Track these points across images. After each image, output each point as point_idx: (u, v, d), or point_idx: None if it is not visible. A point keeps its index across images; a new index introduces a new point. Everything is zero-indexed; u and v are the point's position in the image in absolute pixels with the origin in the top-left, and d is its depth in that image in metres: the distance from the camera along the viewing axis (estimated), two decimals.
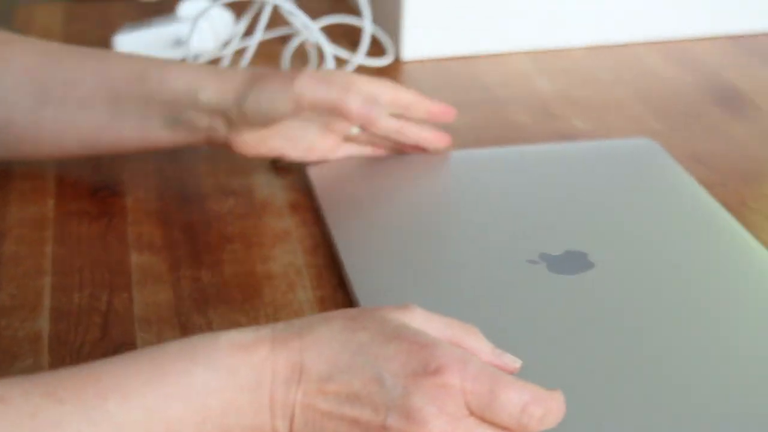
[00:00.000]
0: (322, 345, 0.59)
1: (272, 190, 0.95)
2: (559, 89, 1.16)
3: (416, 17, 1.20)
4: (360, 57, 1.12)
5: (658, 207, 0.91)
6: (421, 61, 1.22)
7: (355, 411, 0.58)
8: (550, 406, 0.59)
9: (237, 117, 0.87)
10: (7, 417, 0.54)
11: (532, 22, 1.24)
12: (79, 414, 0.55)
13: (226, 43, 1.18)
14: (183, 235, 0.88)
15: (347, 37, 1.20)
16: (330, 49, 1.10)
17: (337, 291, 0.82)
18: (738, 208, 0.92)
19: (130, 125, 0.89)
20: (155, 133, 0.89)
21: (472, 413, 0.59)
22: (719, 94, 1.17)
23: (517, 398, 0.58)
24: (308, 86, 0.87)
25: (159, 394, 0.57)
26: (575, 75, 1.21)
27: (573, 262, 0.81)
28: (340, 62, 1.16)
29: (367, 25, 1.11)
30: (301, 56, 1.16)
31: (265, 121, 0.87)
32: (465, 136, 1.05)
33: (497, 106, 1.12)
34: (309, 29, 1.10)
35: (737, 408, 0.67)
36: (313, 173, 0.93)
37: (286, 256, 0.86)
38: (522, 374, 0.64)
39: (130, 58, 0.91)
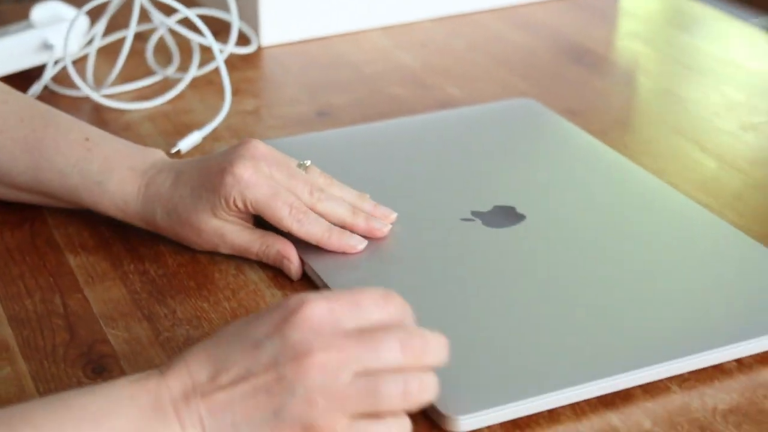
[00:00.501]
0: (200, 352, 0.62)
1: None
2: (422, 61, 1.21)
3: (272, 3, 1.21)
4: (230, 46, 1.12)
5: (560, 155, 0.97)
6: (281, 46, 1.24)
7: (251, 382, 0.59)
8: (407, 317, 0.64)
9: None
10: None
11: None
12: None
13: (89, 42, 1.16)
14: (112, 233, 0.87)
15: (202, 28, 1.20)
16: (198, 40, 1.11)
17: (283, 272, 0.83)
18: (624, 153, 0.98)
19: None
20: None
21: (346, 331, 0.61)
22: (572, 53, 1.24)
23: (375, 294, 0.63)
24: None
25: (70, 419, 0.58)
26: (432, 46, 1.25)
27: (504, 216, 0.86)
28: (208, 52, 1.16)
29: (234, 15, 1.12)
30: (163, 51, 1.16)
31: None
32: (351, 113, 1.08)
33: (370, 83, 1.16)
34: (166, 24, 1.11)
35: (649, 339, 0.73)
36: None
37: None
38: (466, 317, 0.72)
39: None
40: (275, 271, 0.83)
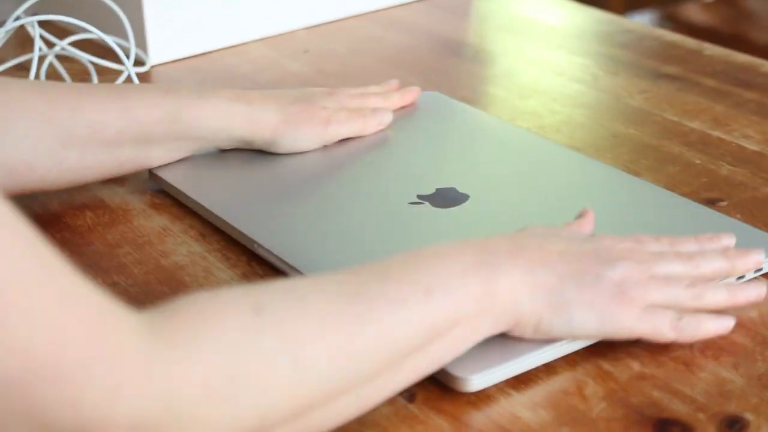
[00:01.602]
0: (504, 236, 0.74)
1: (122, 197, 0.96)
2: (311, 67, 1.24)
3: (157, 23, 1.23)
4: (131, 66, 1.14)
5: (479, 138, 1.03)
6: (171, 63, 1.26)
7: (577, 253, 0.72)
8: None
9: (268, 148, 0.96)
10: (327, 286, 0.65)
11: (259, 10, 1.31)
12: (375, 278, 0.66)
13: None
14: (66, 249, 0.87)
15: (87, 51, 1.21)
16: (99, 63, 1.13)
17: (253, 265, 0.86)
18: (532, 130, 1.05)
19: (157, 155, 0.93)
20: (179, 156, 0.95)
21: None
22: (449, 48, 1.30)
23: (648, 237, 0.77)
24: (339, 129, 0.98)
25: (423, 258, 0.68)
26: (315, 53, 1.29)
27: (449, 197, 0.90)
28: (102, 74, 1.17)
29: (131, 37, 1.14)
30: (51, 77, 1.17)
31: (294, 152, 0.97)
32: None
33: (268, 89, 1.18)
34: (60, 47, 1.12)
35: None
36: (164, 175, 0.95)
37: (182, 247, 0.88)
38: None
39: (157, 97, 0.91)
40: (244, 270, 0.85)
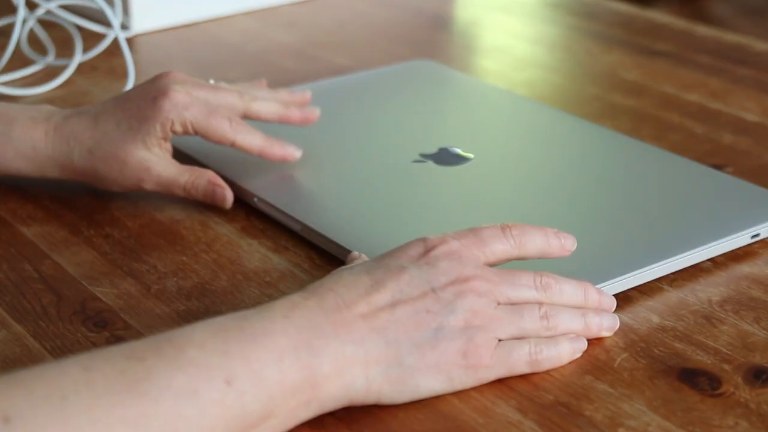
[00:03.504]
0: (339, 280, 0.62)
1: None
2: (299, 38, 1.22)
3: None
4: (118, 30, 1.10)
5: (481, 102, 1.02)
6: (154, 33, 1.23)
7: (411, 303, 0.61)
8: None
9: None
10: (98, 380, 0.53)
11: None
12: (164, 364, 0.54)
13: None
14: (58, 204, 0.85)
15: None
16: (80, 24, 1.09)
17: (252, 220, 0.83)
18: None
19: None
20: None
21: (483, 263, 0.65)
22: (438, 22, 1.28)
23: (494, 229, 0.67)
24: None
25: (231, 338, 0.57)
26: (302, 26, 1.27)
27: (452, 156, 0.88)
28: (94, 37, 1.14)
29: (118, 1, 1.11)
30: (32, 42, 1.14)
31: None
32: None
33: (256, 59, 1.16)
34: (44, 10, 1.09)
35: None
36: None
37: (177, 204, 0.85)
38: None
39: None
40: (242, 223, 0.82)
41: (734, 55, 1.17)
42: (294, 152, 0.84)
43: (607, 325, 0.68)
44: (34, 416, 0.50)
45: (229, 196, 0.82)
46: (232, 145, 0.82)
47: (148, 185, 0.82)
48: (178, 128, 0.80)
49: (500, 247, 0.66)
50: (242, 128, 0.82)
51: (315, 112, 0.87)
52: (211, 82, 0.85)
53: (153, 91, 0.81)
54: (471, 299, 0.62)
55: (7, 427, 0.49)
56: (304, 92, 0.90)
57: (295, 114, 0.86)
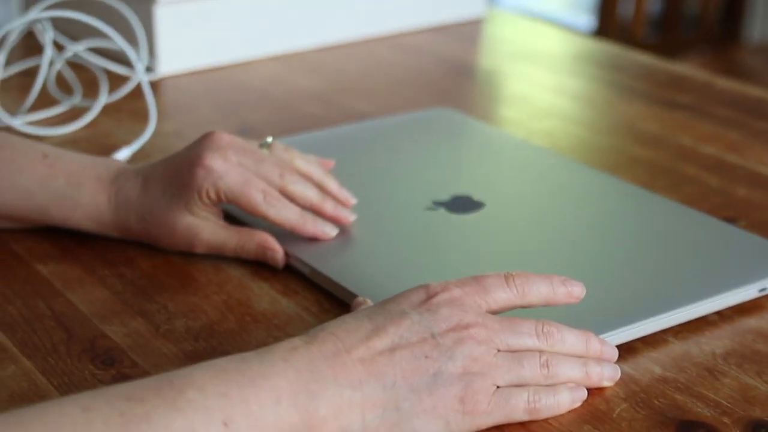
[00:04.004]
0: (341, 324, 0.63)
1: None
2: (323, 84, 1.23)
3: (168, 35, 1.22)
4: (141, 73, 1.12)
5: (497, 150, 1.03)
6: (179, 76, 1.25)
7: (409, 349, 0.62)
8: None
9: None
10: (97, 421, 0.54)
11: (269, 28, 1.30)
12: (163, 406, 0.56)
13: None
14: (74, 243, 0.86)
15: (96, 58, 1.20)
16: (106, 66, 1.11)
17: (262, 265, 0.84)
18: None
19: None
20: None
21: (485, 311, 0.66)
22: (460, 71, 1.29)
23: (497, 278, 0.67)
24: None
25: (230, 381, 0.58)
26: (326, 72, 1.28)
27: (464, 204, 0.89)
28: (120, 78, 1.16)
29: (143, 44, 1.13)
30: (59, 83, 1.16)
31: None
32: (271, 130, 1.09)
33: (279, 103, 1.17)
34: (71, 52, 1.11)
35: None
36: None
37: None
38: None
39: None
40: (255, 266, 0.83)
41: (754, 108, 1.18)
42: (329, 231, 0.83)
43: (608, 375, 0.68)
44: None
45: (280, 258, 0.82)
46: (265, 218, 0.82)
47: (199, 249, 0.83)
48: (213, 196, 0.81)
49: (502, 296, 0.66)
50: (276, 202, 0.81)
51: (349, 216, 0.85)
52: (269, 140, 0.85)
53: (193, 156, 0.81)
54: (470, 346, 0.63)
55: None
56: (350, 197, 0.87)
57: (328, 209, 0.84)
